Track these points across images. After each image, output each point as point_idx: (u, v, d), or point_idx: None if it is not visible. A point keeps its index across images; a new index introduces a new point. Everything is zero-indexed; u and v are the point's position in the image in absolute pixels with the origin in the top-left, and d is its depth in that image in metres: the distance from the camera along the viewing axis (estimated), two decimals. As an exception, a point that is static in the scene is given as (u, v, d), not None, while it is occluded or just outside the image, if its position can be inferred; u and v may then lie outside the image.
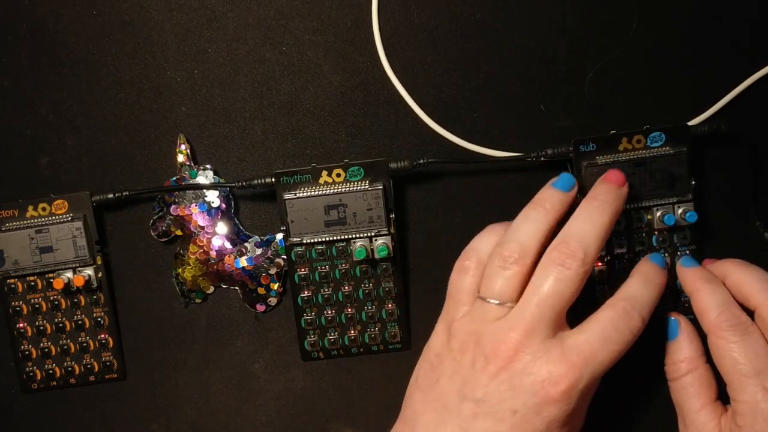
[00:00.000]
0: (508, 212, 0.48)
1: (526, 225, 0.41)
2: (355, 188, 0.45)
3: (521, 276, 0.40)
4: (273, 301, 0.49)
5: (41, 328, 0.48)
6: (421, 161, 0.46)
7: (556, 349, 0.38)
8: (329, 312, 0.47)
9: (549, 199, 0.42)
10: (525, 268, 0.40)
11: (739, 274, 0.43)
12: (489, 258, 0.41)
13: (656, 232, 0.46)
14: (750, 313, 0.42)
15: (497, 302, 0.40)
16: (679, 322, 0.44)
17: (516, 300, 0.40)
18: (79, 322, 0.48)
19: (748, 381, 0.39)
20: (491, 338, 0.39)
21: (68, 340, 0.48)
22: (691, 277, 0.43)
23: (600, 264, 0.46)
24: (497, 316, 0.40)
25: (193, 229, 0.48)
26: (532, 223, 0.41)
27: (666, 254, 0.46)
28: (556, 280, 0.39)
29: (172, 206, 0.48)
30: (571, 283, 0.39)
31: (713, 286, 0.42)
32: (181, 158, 0.48)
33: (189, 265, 0.48)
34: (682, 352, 0.44)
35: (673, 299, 0.46)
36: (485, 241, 0.43)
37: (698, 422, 0.42)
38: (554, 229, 0.42)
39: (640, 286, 0.42)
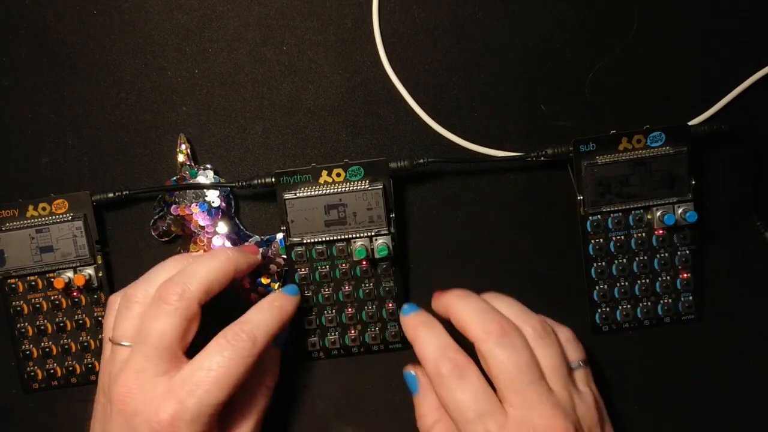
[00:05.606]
0: (508, 212, 0.48)
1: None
2: (355, 188, 0.45)
3: (141, 315, 0.41)
4: (273, 300, 0.49)
5: (42, 327, 0.48)
6: (421, 161, 0.46)
7: (163, 386, 0.39)
8: (329, 312, 0.47)
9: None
10: (144, 307, 0.41)
11: (457, 307, 0.42)
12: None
13: (656, 232, 0.46)
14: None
15: (126, 344, 0.41)
16: (416, 376, 0.45)
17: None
18: (80, 321, 0.48)
19: (472, 426, 0.39)
20: (112, 381, 0.40)
21: (69, 340, 0.48)
22: (410, 324, 0.43)
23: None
24: (124, 357, 0.41)
25: (193, 228, 0.48)
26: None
27: (656, 253, 0.46)
28: (155, 318, 0.40)
29: (173, 206, 0.48)
30: (170, 319, 0.40)
31: (431, 330, 0.42)
32: (181, 158, 0.48)
33: (189, 264, 0.48)
34: (425, 405, 0.44)
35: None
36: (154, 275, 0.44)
37: None
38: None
39: (257, 311, 0.42)
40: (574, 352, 0.43)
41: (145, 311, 0.41)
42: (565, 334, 0.43)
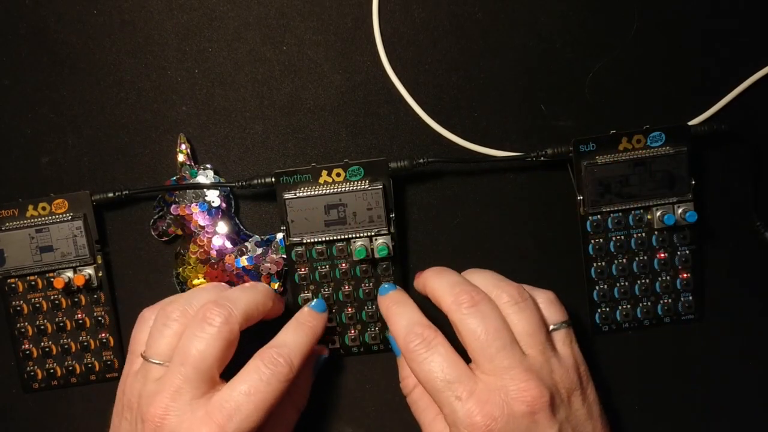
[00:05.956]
0: (508, 212, 0.48)
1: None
2: (355, 188, 0.45)
3: (179, 334, 0.41)
4: (273, 300, 0.49)
5: (42, 327, 0.48)
6: (421, 161, 0.46)
7: (201, 409, 0.39)
8: (329, 312, 0.47)
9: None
10: (182, 326, 0.41)
11: (432, 281, 0.43)
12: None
13: (656, 232, 0.46)
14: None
15: (158, 362, 0.41)
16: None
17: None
18: (80, 321, 0.48)
19: (443, 395, 0.39)
20: (145, 400, 0.40)
21: (69, 340, 0.48)
22: (384, 303, 0.44)
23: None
24: (157, 376, 0.40)
25: (193, 228, 0.48)
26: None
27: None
28: (197, 339, 0.40)
29: (173, 206, 0.48)
30: (213, 341, 0.39)
31: (402, 308, 0.43)
32: (181, 158, 0.48)
33: (189, 264, 0.48)
34: (407, 367, 0.44)
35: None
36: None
37: None
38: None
39: (290, 332, 0.43)
40: (555, 314, 0.42)
41: (186, 330, 0.40)
42: (546, 296, 0.43)
